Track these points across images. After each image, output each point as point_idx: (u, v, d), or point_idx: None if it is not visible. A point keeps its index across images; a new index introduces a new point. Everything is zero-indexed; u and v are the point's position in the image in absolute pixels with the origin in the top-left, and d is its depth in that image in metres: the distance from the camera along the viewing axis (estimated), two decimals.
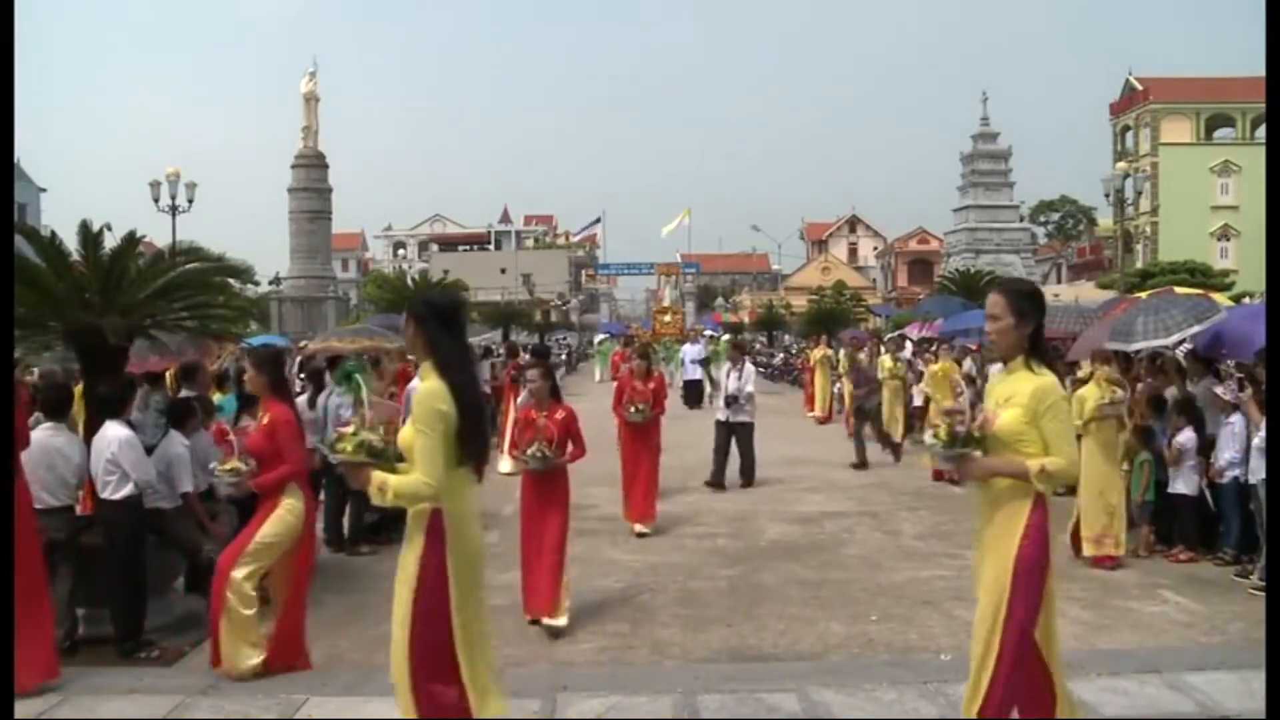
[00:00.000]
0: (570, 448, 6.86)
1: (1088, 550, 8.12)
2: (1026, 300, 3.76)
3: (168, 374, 9.71)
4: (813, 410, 21.78)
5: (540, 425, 6.72)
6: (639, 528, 9.43)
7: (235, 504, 7.54)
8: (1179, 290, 11.91)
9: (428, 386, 3.63)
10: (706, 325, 43.99)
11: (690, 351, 24.59)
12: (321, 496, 9.59)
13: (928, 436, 3.86)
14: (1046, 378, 3.68)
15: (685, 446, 13.68)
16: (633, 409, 9.87)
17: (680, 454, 13.12)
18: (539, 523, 6.70)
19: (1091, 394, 8.30)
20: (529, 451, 6.65)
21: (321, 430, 9.38)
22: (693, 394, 23.61)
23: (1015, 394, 3.69)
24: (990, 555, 3.74)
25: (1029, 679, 3.64)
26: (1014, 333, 3.74)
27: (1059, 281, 66.45)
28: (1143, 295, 13.31)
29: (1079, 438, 7.54)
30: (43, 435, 6.24)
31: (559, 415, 6.81)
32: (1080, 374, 10.56)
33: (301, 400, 9.65)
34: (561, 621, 6.52)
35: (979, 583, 3.78)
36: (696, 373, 24.08)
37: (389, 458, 3.70)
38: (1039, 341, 3.77)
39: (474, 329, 30.15)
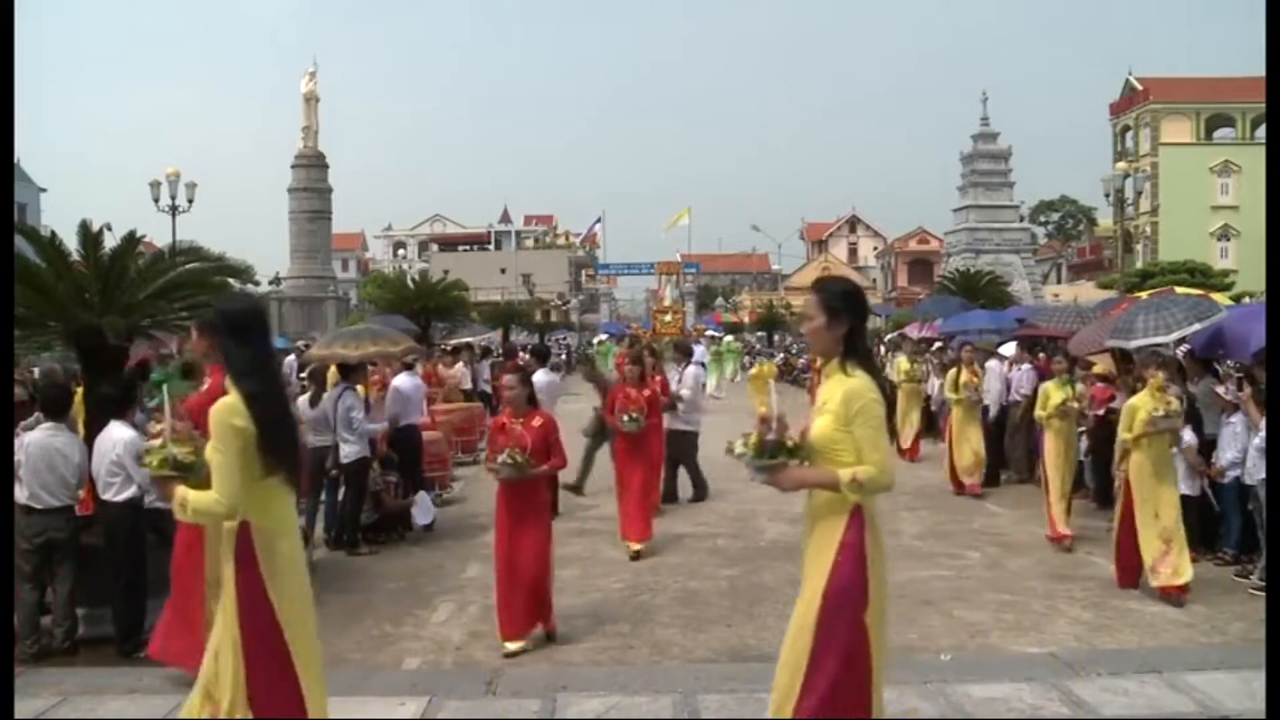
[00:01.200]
0: (551, 458, 6.46)
1: (1154, 581, 7.18)
2: (839, 299, 3.59)
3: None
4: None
5: (515, 433, 6.36)
6: (634, 546, 8.75)
7: None
8: (1180, 290, 11.89)
9: (222, 401, 3.52)
10: (708, 325, 43.89)
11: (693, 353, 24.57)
12: (323, 496, 9.63)
13: (738, 446, 3.67)
14: (858, 380, 3.51)
15: (704, 443, 13.51)
16: (625, 418, 9.08)
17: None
18: (513, 541, 6.25)
19: (1143, 404, 7.40)
20: (500, 458, 6.23)
21: (326, 430, 9.42)
22: None
23: (829, 399, 3.55)
24: (808, 570, 3.62)
25: (847, 690, 3.47)
26: (826, 333, 3.58)
27: (1059, 281, 66.57)
28: (1143, 295, 13.28)
29: (1127, 451, 7.43)
30: (43, 435, 6.24)
31: (536, 423, 6.39)
32: (1096, 369, 10.59)
33: (303, 400, 9.66)
34: (548, 631, 6.40)
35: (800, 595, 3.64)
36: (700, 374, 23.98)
37: (196, 472, 3.60)
38: (855, 342, 3.59)
39: (474, 329, 30.11)
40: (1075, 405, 9.30)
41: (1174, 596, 7.04)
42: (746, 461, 3.64)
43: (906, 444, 14.73)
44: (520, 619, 6.23)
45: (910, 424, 14.96)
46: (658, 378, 10.62)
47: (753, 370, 13.05)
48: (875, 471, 3.43)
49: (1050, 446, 9.20)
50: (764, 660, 5.99)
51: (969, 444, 11.82)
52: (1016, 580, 7.83)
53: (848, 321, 3.57)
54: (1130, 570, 7.42)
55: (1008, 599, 7.26)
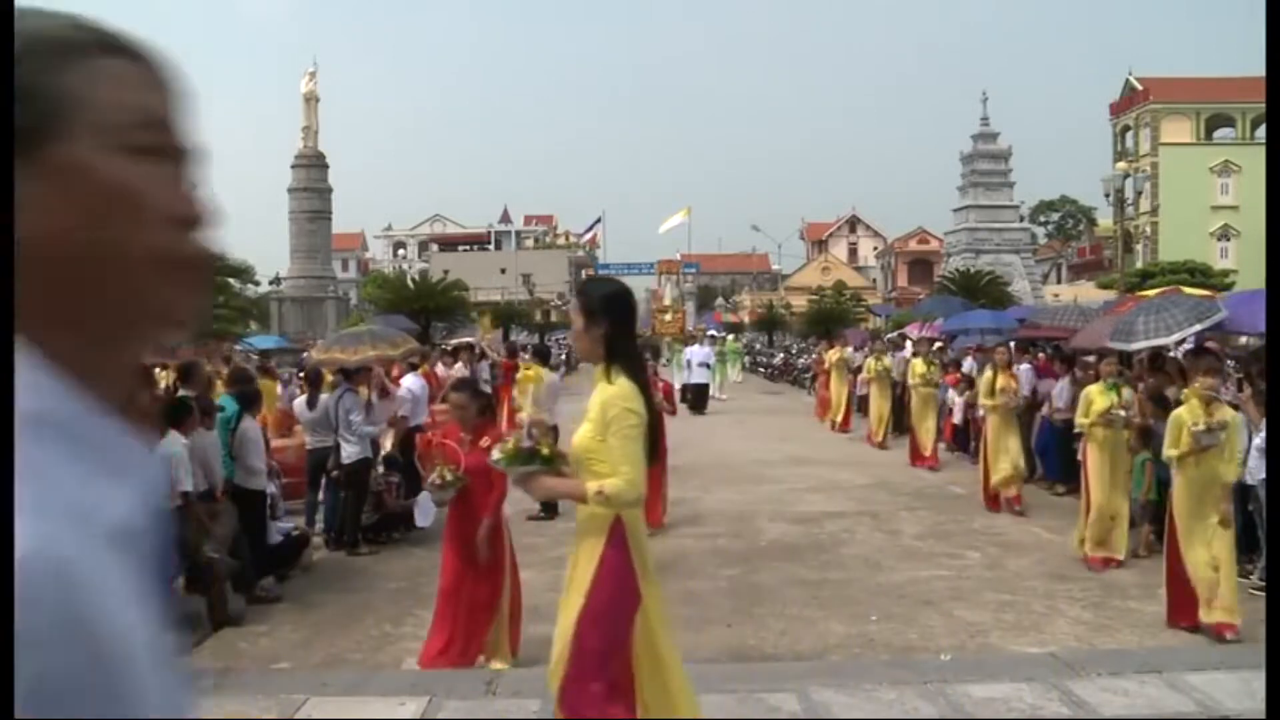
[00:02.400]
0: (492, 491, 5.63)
1: (1206, 618, 6.39)
2: (596, 302, 3.47)
3: (162, 372, 9.72)
4: (826, 417, 20.13)
5: (449, 449, 5.72)
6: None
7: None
8: (1187, 290, 11.88)
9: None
10: (708, 325, 43.70)
11: (697, 354, 23.63)
12: (321, 496, 9.63)
13: (495, 452, 3.61)
14: (615, 387, 3.36)
15: (692, 445, 13.62)
16: None
17: (685, 453, 13.04)
18: (462, 574, 5.62)
19: (1186, 418, 6.50)
20: (431, 478, 5.64)
21: (327, 431, 9.42)
22: (699, 398, 22.72)
23: (591, 406, 3.42)
24: (570, 585, 3.52)
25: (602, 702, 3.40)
26: (585, 336, 3.46)
27: (1059, 281, 66.58)
28: (1152, 294, 13.27)
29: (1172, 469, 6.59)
30: None
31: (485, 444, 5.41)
32: (1106, 368, 10.39)
33: (300, 401, 9.66)
34: (503, 666, 5.66)
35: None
36: (703, 376, 23.23)
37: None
38: (616, 346, 3.44)
39: (474, 329, 30.11)
40: (1122, 413, 8.30)
41: (1224, 634, 6.27)
42: (502, 467, 3.60)
43: (927, 451, 13.88)
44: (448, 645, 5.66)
45: (927, 431, 13.98)
46: (661, 382, 10.24)
47: (520, 374, 11.10)
48: (622, 485, 3.26)
49: (1093, 458, 8.31)
50: (764, 660, 6.01)
51: (1008, 455, 10.54)
52: (1016, 580, 7.82)
53: (605, 324, 3.43)
54: (1183, 606, 6.48)
55: (1008, 599, 7.26)
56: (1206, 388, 6.49)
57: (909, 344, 19.07)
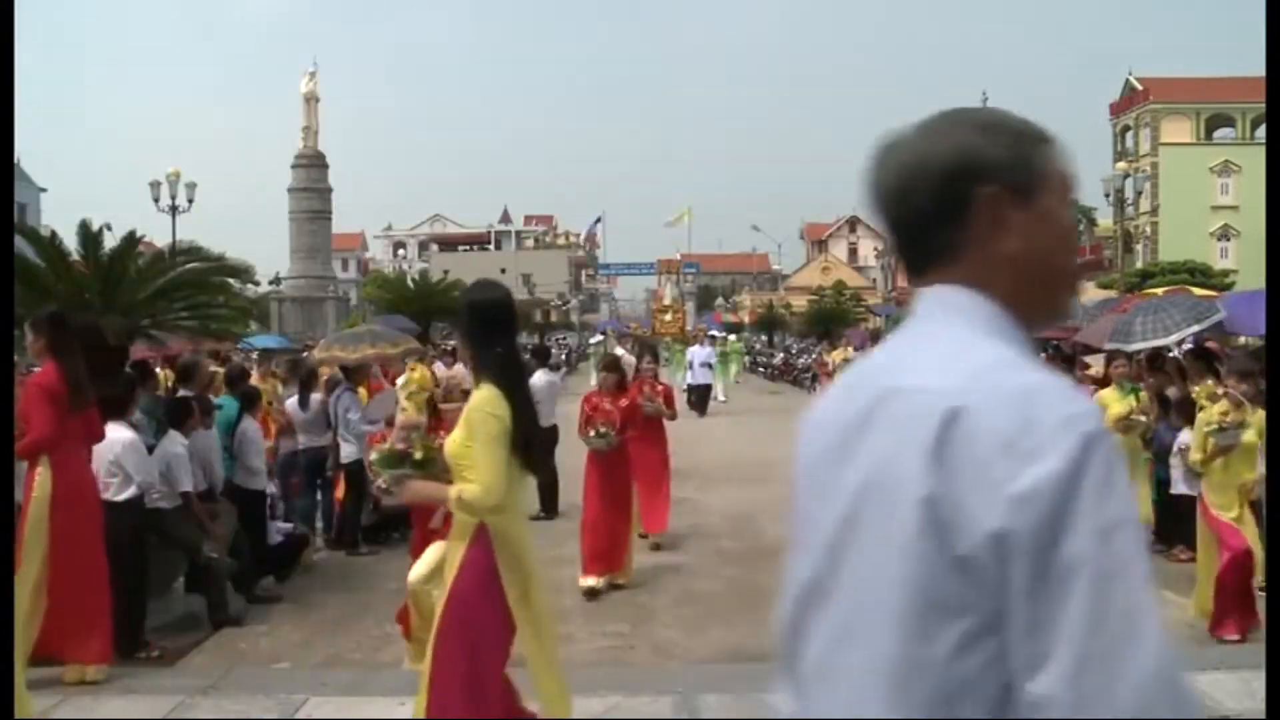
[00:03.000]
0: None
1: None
2: (464, 310, 3.65)
3: (160, 371, 9.71)
4: None
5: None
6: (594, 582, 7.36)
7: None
8: (1195, 290, 11.88)
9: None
10: (708, 325, 43.41)
11: (699, 354, 23.43)
12: (319, 496, 9.63)
13: (373, 453, 3.69)
14: (479, 394, 3.49)
15: (692, 445, 13.55)
16: (593, 433, 7.67)
17: (685, 454, 12.91)
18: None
19: (1205, 419, 6.26)
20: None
21: (324, 431, 9.42)
22: (701, 399, 22.64)
23: (465, 412, 3.54)
24: (444, 584, 3.62)
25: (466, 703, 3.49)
26: (464, 343, 3.64)
27: None
28: (1159, 292, 13.24)
29: (1200, 476, 6.52)
30: None
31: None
32: (1090, 371, 10.39)
33: (292, 401, 9.65)
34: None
35: None
36: (706, 376, 23.08)
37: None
38: (484, 354, 3.57)
39: None
40: (1143, 419, 7.87)
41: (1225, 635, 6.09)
42: (376, 469, 3.65)
43: None
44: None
45: None
46: (661, 385, 9.17)
47: (405, 376, 10.31)
48: (479, 491, 3.34)
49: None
50: (764, 660, 6.00)
51: None
52: None
53: (479, 330, 3.58)
54: (1233, 615, 6.08)
55: None
56: (1231, 390, 6.26)
57: None
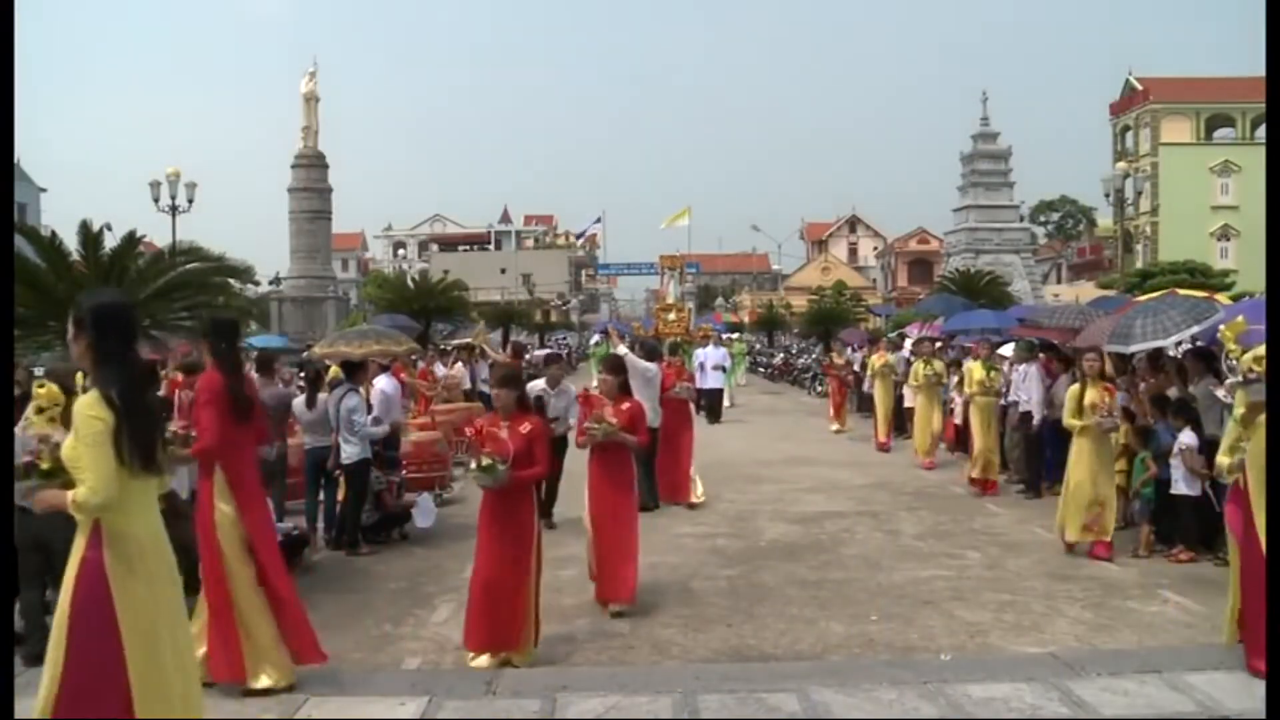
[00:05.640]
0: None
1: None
2: (85, 313, 3.71)
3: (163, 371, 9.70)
4: (836, 421, 19.00)
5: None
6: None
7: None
8: (1181, 292, 11.85)
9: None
10: (711, 325, 42.84)
11: (711, 356, 21.09)
12: (321, 496, 9.63)
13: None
14: (85, 396, 3.58)
15: (696, 443, 13.42)
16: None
17: (698, 453, 12.73)
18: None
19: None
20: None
21: (326, 431, 9.41)
22: (713, 405, 20.55)
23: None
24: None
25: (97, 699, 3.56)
26: (74, 345, 3.74)
27: (1059, 281, 66.65)
28: (1155, 295, 13.18)
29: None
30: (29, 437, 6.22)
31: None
32: (1091, 364, 10.32)
33: (299, 401, 9.65)
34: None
35: None
36: (718, 380, 21.01)
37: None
38: (97, 357, 3.66)
39: (473, 329, 30.10)
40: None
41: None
42: (16, 480, 3.80)
43: (980, 474, 11.89)
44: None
45: (990, 449, 11.89)
46: (627, 404, 7.25)
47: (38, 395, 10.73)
48: (86, 492, 3.47)
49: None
50: (764, 660, 6.01)
51: (1091, 486, 8.49)
52: (1016, 580, 7.82)
53: (91, 335, 3.66)
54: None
55: (1008, 599, 7.26)
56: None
57: (907, 343, 19.04)
